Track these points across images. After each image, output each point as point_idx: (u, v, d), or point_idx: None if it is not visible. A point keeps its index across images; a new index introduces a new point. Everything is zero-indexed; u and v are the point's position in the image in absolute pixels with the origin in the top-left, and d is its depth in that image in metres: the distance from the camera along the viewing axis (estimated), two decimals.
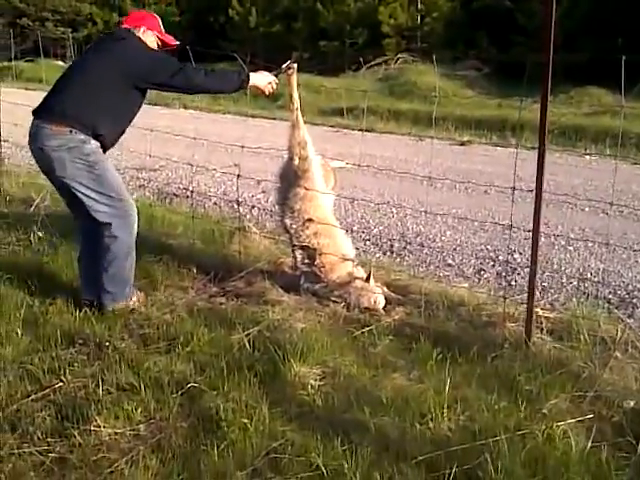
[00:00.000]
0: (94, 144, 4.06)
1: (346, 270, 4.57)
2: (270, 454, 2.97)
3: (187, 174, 8.57)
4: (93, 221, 4.15)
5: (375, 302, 4.42)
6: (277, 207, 4.96)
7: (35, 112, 4.11)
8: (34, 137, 4.04)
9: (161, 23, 4.43)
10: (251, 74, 4.30)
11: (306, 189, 4.61)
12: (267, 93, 4.45)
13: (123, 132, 4.28)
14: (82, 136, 4.00)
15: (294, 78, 4.66)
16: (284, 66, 4.58)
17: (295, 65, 4.65)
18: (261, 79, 4.36)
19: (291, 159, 4.74)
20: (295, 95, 4.70)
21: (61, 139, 3.97)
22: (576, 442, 3.00)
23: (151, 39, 4.30)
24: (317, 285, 4.57)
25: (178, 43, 4.49)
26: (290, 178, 4.74)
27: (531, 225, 3.93)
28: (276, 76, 4.46)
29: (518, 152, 4.24)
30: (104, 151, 4.18)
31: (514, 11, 20.12)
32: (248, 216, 6.82)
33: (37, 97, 4.24)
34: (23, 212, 6.34)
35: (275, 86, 4.42)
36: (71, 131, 3.97)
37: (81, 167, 4.01)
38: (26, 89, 14.80)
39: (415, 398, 3.35)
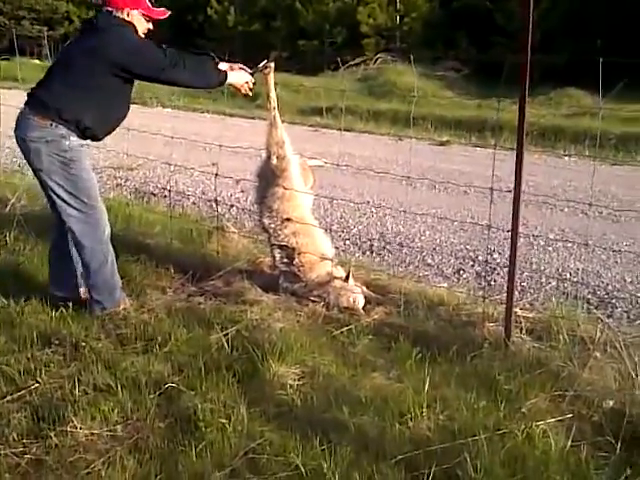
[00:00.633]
0: (75, 141, 3.98)
1: (325, 269, 4.56)
2: (249, 454, 2.95)
3: (165, 173, 8.52)
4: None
5: (354, 301, 4.41)
6: (256, 206, 4.93)
7: (26, 100, 4.04)
8: (19, 126, 3.98)
9: None
10: (229, 73, 4.24)
11: (284, 188, 4.59)
12: (244, 92, 4.40)
13: (118, 121, 4.19)
14: (63, 130, 3.92)
15: (271, 77, 4.64)
16: (261, 65, 4.56)
17: (272, 64, 4.64)
18: (238, 78, 4.31)
19: (269, 158, 4.71)
20: (272, 94, 4.68)
21: (41, 131, 3.91)
22: (556, 441, 3.00)
23: (138, 18, 4.10)
24: (296, 285, 4.55)
25: (169, 13, 4.27)
26: (268, 177, 4.72)
27: (510, 225, 3.94)
28: (252, 75, 4.42)
29: (497, 153, 4.24)
30: (97, 140, 4.13)
31: (493, 11, 20.22)
32: (227, 215, 6.78)
33: (13, 96, 4.17)
34: None
35: (252, 85, 4.38)
36: (52, 124, 3.90)
37: (57, 163, 3.94)
38: (1, 88, 14.64)
39: (394, 397, 3.34)
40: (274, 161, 4.68)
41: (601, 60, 3.78)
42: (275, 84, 4.69)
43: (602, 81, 3.84)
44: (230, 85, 4.30)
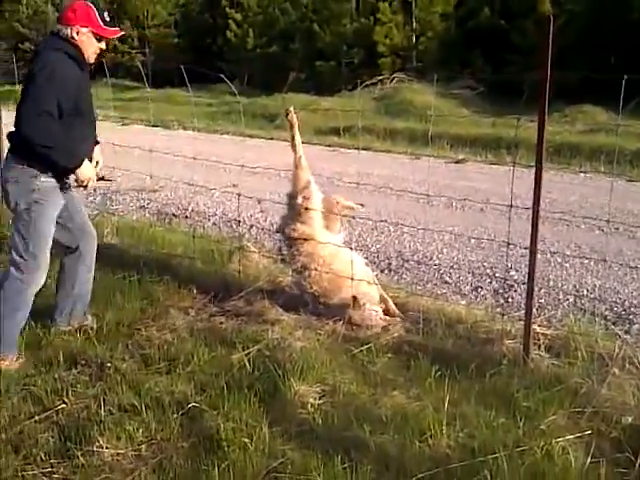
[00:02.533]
0: (46, 181, 3.92)
1: (351, 291, 4.59)
2: (271, 473, 2.99)
3: (186, 194, 8.63)
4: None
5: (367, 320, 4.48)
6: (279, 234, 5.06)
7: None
8: (3, 166, 4.01)
9: (97, 12, 3.99)
10: (84, 164, 4.01)
11: (307, 237, 4.72)
12: (84, 184, 4.09)
13: (84, 147, 4.07)
14: (34, 171, 3.88)
15: (295, 120, 4.82)
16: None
17: (292, 109, 4.85)
18: (88, 171, 4.06)
19: (295, 198, 4.83)
20: (297, 137, 4.84)
21: (15, 171, 3.91)
22: (575, 458, 3.02)
23: (87, 37, 3.96)
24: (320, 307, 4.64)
25: (121, 34, 4.15)
26: (293, 214, 4.85)
27: (528, 242, 3.97)
28: (100, 179, 4.36)
29: (514, 170, 4.29)
30: (70, 172, 4.03)
31: (509, 30, 20.27)
32: (247, 235, 6.85)
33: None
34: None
35: (92, 184, 4.16)
36: (23, 165, 3.88)
37: (22, 205, 3.90)
38: None
39: (414, 415, 3.37)
40: (300, 201, 4.79)
41: (625, 78, 3.80)
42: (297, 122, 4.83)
43: (616, 97, 3.88)
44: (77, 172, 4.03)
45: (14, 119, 3.86)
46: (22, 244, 3.94)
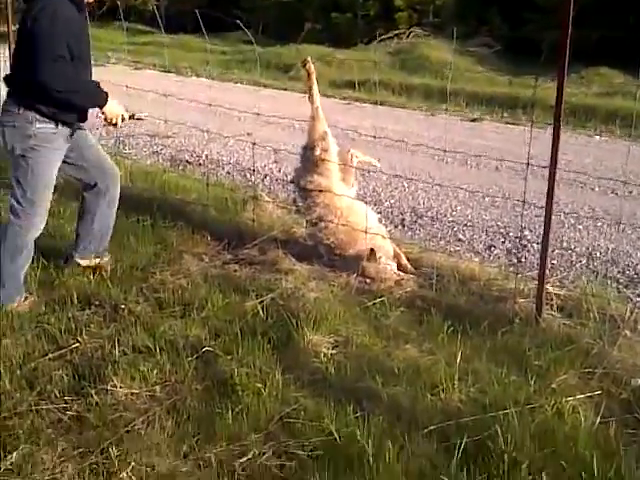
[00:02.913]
0: (43, 127, 3.84)
1: (366, 244, 4.59)
2: (284, 419, 3.03)
3: (200, 142, 8.58)
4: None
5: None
6: (294, 186, 5.05)
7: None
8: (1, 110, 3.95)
9: None
10: (110, 100, 3.99)
11: (324, 189, 4.71)
12: (113, 122, 4.09)
13: (83, 102, 3.95)
14: (28, 115, 3.80)
15: (313, 71, 4.80)
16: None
17: (309, 59, 4.84)
18: (116, 108, 4.05)
19: (313, 149, 4.81)
20: (315, 88, 4.81)
21: (11, 116, 3.85)
22: (585, 417, 3.05)
23: None
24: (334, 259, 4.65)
25: None
26: (309, 166, 4.84)
27: (542, 202, 3.95)
28: (131, 117, 4.25)
29: (532, 127, 4.24)
30: (81, 121, 4.01)
31: None
32: (260, 185, 6.83)
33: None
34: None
35: (122, 121, 4.14)
36: (19, 109, 3.81)
37: (17, 149, 3.85)
38: None
39: (426, 369, 3.40)
40: (317, 152, 4.77)
41: None
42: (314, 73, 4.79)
43: (633, 60, 3.81)
44: (102, 112, 4.04)
45: (14, 63, 3.82)
46: (20, 190, 3.91)
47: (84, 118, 4.06)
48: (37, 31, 3.69)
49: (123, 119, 4.12)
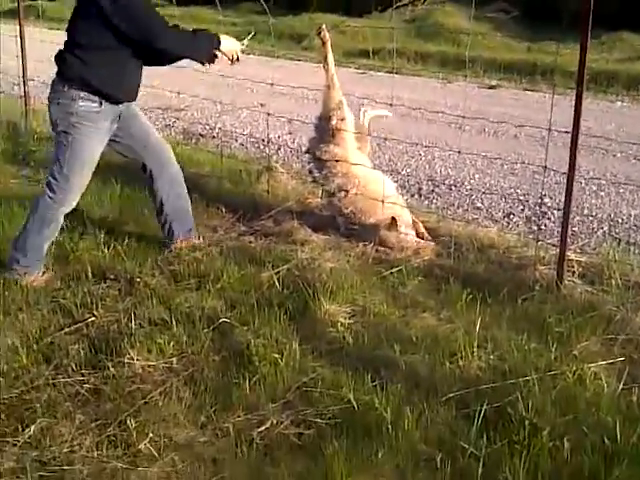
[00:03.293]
0: (85, 105, 3.80)
1: (385, 213, 4.54)
2: (301, 388, 3.01)
3: (212, 114, 8.52)
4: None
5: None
6: (308, 156, 4.99)
7: None
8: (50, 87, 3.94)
9: None
10: (222, 38, 4.01)
11: (341, 158, 4.66)
12: (235, 58, 4.13)
13: (133, 83, 3.99)
14: (72, 93, 3.79)
15: (328, 39, 4.71)
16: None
17: (324, 27, 4.74)
18: (231, 44, 4.06)
19: (328, 119, 4.74)
20: (330, 57, 4.74)
21: (55, 92, 3.87)
22: (607, 383, 3.01)
23: None
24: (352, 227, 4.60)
25: None
26: (324, 135, 4.78)
27: (563, 169, 3.87)
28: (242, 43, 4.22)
29: (549, 97, 4.15)
30: (125, 101, 3.98)
31: None
32: (275, 157, 6.77)
33: (61, 36, 4.11)
34: (51, 150, 6.31)
35: (240, 55, 4.16)
36: (64, 86, 3.81)
37: (60, 126, 3.86)
38: (49, 29, 14.69)
39: (445, 337, 3.36)
40: (333, 122, 4.71)
41: None
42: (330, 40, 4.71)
43: None
44: (221, 53, 4.03)
45: (70, 39, 3.80)
46: (57, 166, 3.91)
47: (134, 96, 4.05)
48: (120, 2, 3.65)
49: (242, 51, 4.17)
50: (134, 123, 4.14)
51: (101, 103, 3.84)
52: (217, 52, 4.01)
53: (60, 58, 3.88)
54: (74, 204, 4.04)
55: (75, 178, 3.94)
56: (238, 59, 4.15)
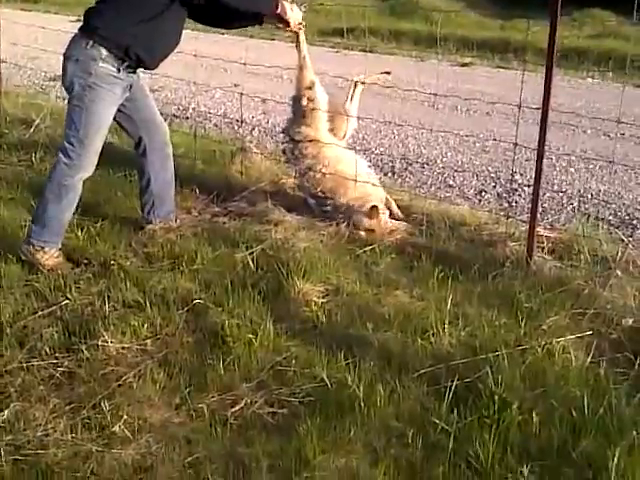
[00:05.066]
0: (105, 67, 3.71)
1: (357, 192, 4.55)
2: (275, 367, 3.03)
3: (186, 95, 8.47)
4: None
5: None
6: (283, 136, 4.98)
7: None
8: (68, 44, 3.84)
9: None
10: (282, 5, 4.02)
11: (312, 139, 4.65)
12: (293, 29, 4.24)
13: (167, 49, 3.96)
14: (95, 52, 3.68)
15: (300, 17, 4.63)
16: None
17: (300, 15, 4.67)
18: (296, 13, 4.12)
19: (299, 100, 4.73)
20: (302, 36, 4.64)
21: (76, 49, 3.74)
22: (575, 357, 3.06)
23: None
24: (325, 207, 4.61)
25: None
26: (297, 116, 4.77)
27: (534, 145, 3.91)
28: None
29: (522, 74, 4.18)
30: (147, 69, 3.96)
31: None
32: (249, 137, 6.76)
33: (33, 18, 4.06)
34: (24, 133, 6.27)
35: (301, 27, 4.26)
36: (87, 43, 3.69)
37: (76, 86, 3.75)
38: (22, 10, 14.49)
39: (417, 314, 3.40)
40: (304, 102, 4.70)
41: None
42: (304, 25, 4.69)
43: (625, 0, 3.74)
44: (281, 20, 4.09)
45: None
46: (72, 130, 3.81)
47: (156, 66, 4.01)
48: None
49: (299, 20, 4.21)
50: (140, 96, 4.11)
51: (119, 69, 3.77)
52: (284, 16, 4.06)
53: (94, 12, 3.79)
54: (91, 170, 3.95)
55: (91, 142, 3.84)
56: (301, 28, 4.26)
